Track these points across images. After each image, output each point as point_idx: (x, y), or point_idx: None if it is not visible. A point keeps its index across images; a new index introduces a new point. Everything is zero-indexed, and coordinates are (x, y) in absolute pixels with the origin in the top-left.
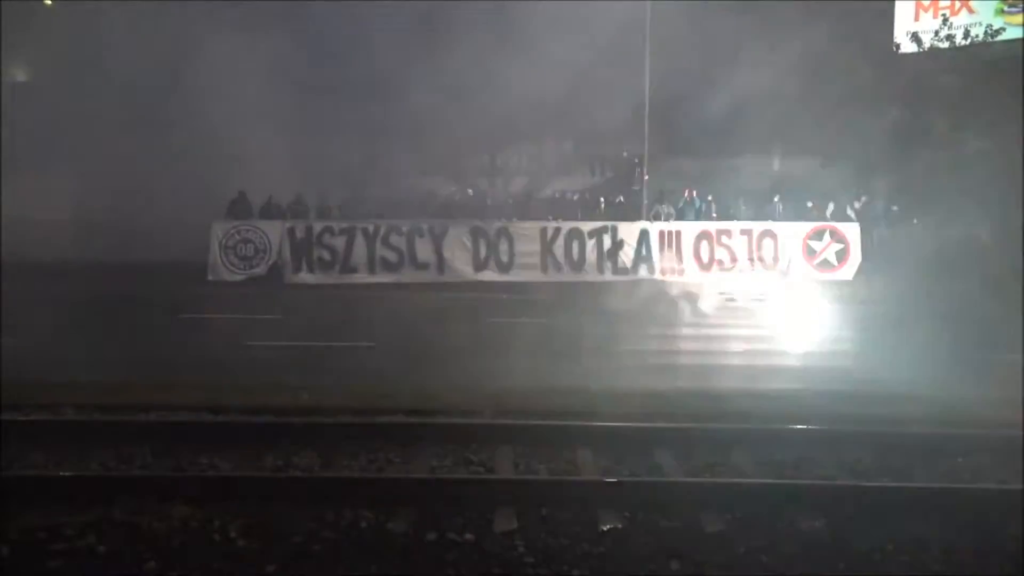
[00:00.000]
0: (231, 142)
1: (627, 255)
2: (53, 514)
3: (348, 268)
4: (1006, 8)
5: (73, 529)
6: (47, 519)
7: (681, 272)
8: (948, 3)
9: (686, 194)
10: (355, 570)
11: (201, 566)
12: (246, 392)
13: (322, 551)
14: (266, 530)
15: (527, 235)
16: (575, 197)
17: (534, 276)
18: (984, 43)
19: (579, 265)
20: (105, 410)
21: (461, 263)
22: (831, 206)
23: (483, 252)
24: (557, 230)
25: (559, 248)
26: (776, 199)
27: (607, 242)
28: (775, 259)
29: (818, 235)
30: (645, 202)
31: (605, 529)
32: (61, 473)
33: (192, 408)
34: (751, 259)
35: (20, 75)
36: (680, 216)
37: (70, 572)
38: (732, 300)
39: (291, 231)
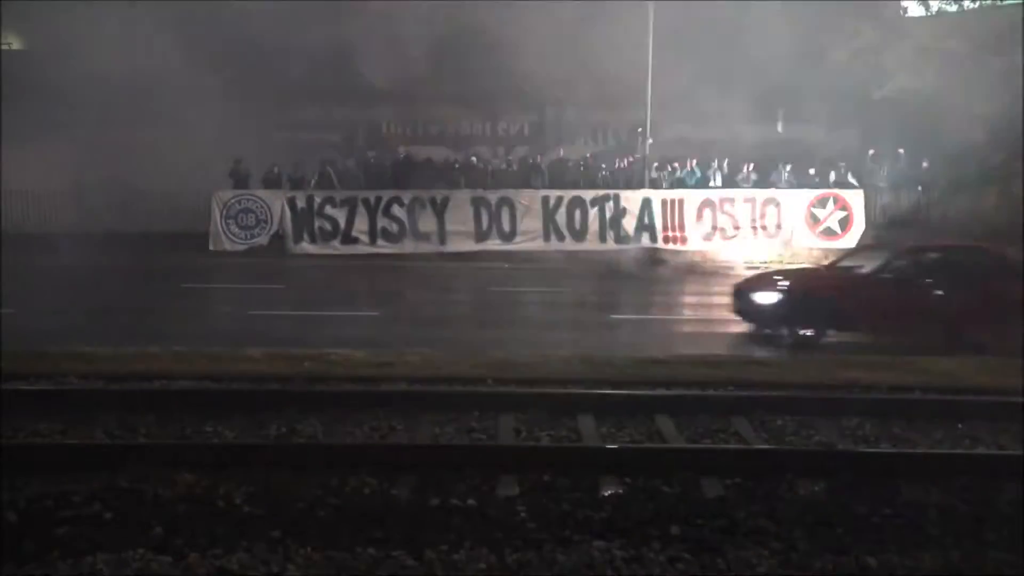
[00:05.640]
0: (229, 111)
1: (629, 223)
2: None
3: (349, 239)
4: None
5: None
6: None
7: (684, 240)
8: None
9: (688, 164)
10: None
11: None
12: (251, 360)
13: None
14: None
15: (529, 204)
16: (581, 167)
17: (536, 245)
18: (993, 6)
19: (581, 234)
20: (109, 379)
21: (463, 234)
22: (832, 174)
23: (485, 222)
24: (559, 199)
25: (561, 217)
26: (788, 167)
27: (609, 210)
28: (778, 227)
29: (821, 203)
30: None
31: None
32: (67, 441)
33: (194, 376)
34: (754, 227)
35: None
36: (681, 184)
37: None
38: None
39: (292, 201)
